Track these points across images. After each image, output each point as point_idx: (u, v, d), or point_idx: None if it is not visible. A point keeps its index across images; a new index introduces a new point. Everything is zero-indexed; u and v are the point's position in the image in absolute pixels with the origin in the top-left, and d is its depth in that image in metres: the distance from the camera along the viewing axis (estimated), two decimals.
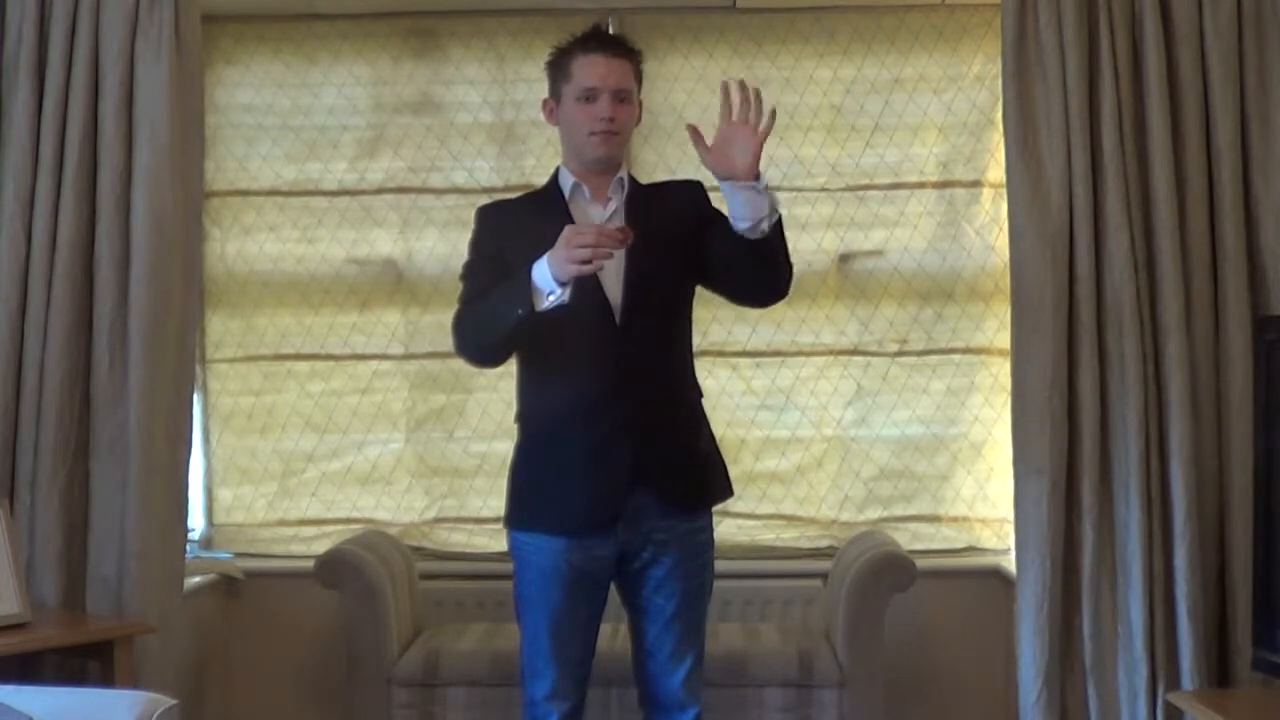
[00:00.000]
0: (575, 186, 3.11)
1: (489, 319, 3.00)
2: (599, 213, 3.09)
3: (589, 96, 3.04)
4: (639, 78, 3.13)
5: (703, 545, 3.18)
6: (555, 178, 3.18)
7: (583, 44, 3.08)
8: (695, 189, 3.21)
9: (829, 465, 4.47)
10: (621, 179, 3.13)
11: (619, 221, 3.07)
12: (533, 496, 3.10)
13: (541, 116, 3.19)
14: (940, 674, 4.33)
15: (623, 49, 3.10)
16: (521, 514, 3.12)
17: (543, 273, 2.86)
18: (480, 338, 3.05)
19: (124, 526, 3.74)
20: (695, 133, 2.89)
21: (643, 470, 3.04)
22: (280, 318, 4.52)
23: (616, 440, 3.02)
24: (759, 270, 3.02)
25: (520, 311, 2.89)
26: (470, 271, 3.13)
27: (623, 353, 3.02)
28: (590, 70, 3.04)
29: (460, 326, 3.08)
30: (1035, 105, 3.81)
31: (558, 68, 3.10)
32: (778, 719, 3.84)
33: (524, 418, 3.17)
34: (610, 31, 3.16)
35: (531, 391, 3.14)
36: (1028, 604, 3.78)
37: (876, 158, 4.44)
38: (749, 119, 2.86)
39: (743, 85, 2.88)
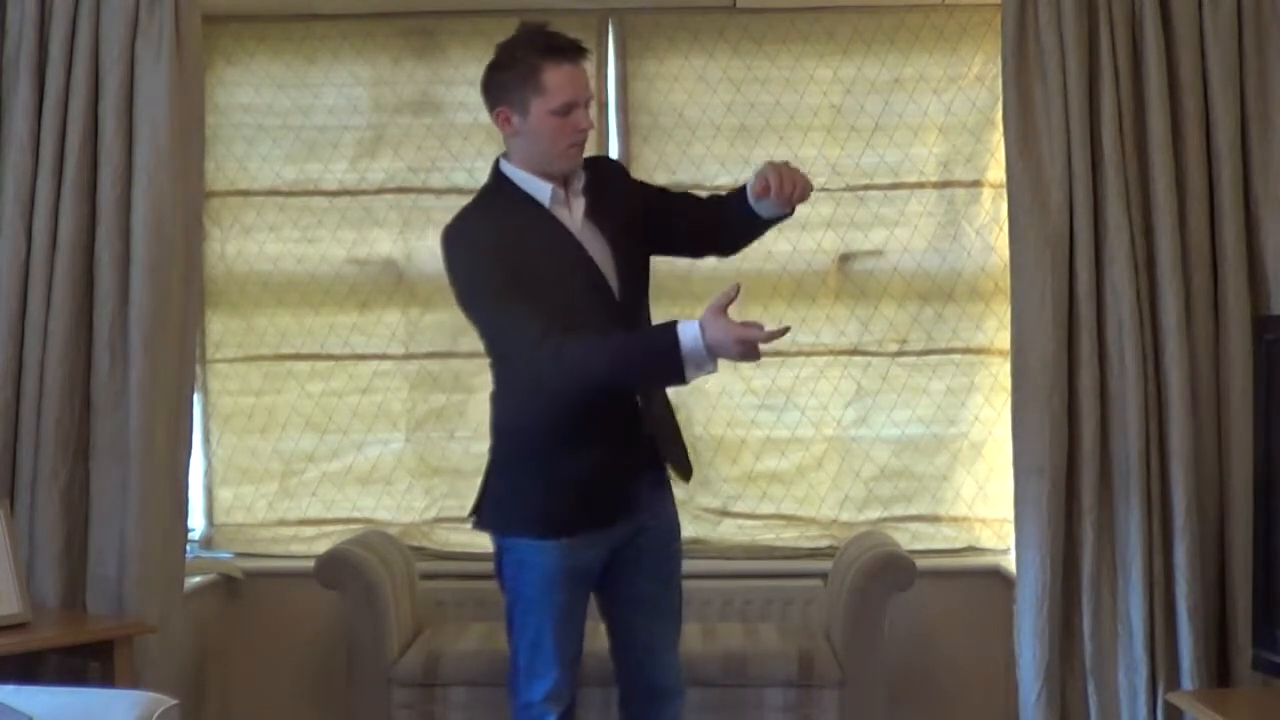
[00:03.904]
0: (553, 192, 3.04)
1: (614, 368, 2.89)
2: (577, 208, 3.07)
3: (567, 110, 2.98)
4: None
5: (678, 530, 3.27)
6: (512, 181, 3.06)
7: (550, 54, 2.98)
8: (621, 168, 3.34)
9: (829, 465, 4.47)
10: (581, 174, 3.09)
11: (588, 214, 3.07)
12: (552, 500, 3.05)
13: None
14: (940, 674, 4.33)
15: (583, 52, 3.03)
16: (526, 520, 3.08)
17: (694, 338, 2.77)
18: (599, 378, 2.91)
19: (124, 526, 3.74)
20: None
21: (656, 453, 3.14)
22: (280, 318, 4.52)
23: (635, 433, 3.07)
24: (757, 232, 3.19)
25: (663, 373, 2.89)
26: (516, 292, 2.91)
27: None
28: (567, 83, 2.98)
29: (583, 358, 2.86)
30: (1035, 105, 3.81)
31: (523, 78, 2.98)
32: (778, 719, 3.84)
33: (530, 423, 3.09)
34: (558, 32, 3.03)
35: (540, 398, 3.03)
36: (1028, 604, 3.78)
37: (876, 158, 4.44)
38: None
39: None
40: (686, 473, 3.25)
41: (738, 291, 2.77)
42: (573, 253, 3.03)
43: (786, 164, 3.00)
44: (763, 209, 3.05)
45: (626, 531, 3.12)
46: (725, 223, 3.16)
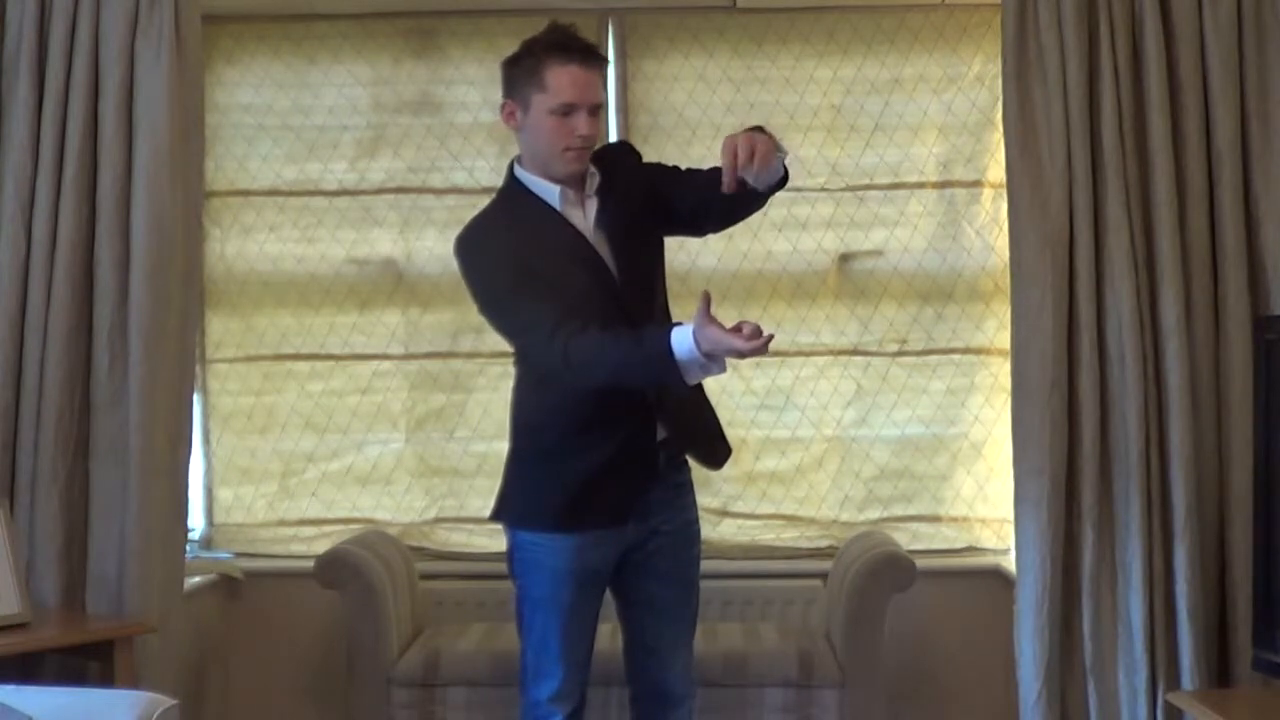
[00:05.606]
0: (562, 194, 3.04)
1: (617, 374, 2.89)
2: (591, 209, 3.06)
3: (566, 111, 2.96)
4: (605, 85, 3.06)
5: (696, 535, 3.24)
6: (524, 185, 3.06)
7: (557, 52, 2.96)
8: (629, 152, 3.25)
9: (829, 465, 4.47)
10: (594, 174, 3.08)
11: (600, 215, 3.05)
12: (558, 496, 3.05)
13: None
14: (940, 674, 4.33)
15: (596, 57, 3.01)
16: (534, 513, 3.09)
17: (689, 350, 2.75)
18: (606, 380, 2.93)
19: (124, 526, 3.74)
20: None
21: (672, 458, 3.11)
22: (280, 318, 4.52)
23: (647, 435, 3.05)
24: (751, 204, 3.06)
25: (666, 379, 2.84)
26: (528, 292, 2.93)
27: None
28: (569, 84, 2.94)
29: (588, 360, 2.86)
30: (1035, 105, 3.81)
31: (528, 73, 2.98)
32: (778, 719, 3.84)
33: (542, 419, 3.09)
34: (576, 34, 3.01)
35: (554, 392, 3.04)
36: (1028, 604, 3.78)
37: (876, 158, 4.45)
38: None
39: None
40: (714, 462, 3.23)
41: (708, 299, 2.75)
42: (583, 254, 3.02)
43: (746, 132, 2.84)
44: (750, 178, 2.90)
45: (638, 534, 3.10)
46: (717, 196, 3.00)
